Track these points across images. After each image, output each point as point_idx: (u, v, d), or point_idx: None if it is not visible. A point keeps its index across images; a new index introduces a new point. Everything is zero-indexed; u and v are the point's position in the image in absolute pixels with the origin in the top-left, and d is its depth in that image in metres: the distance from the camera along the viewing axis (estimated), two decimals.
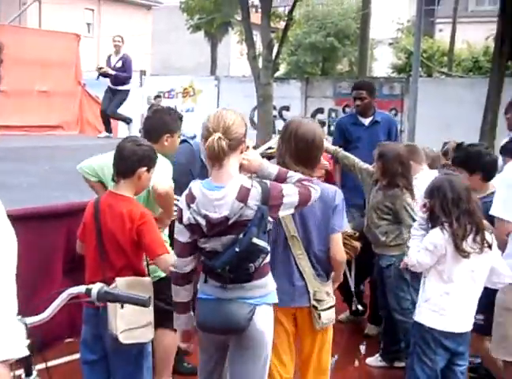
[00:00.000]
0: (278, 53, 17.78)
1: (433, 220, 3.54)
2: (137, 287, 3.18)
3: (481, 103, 13.29)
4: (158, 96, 19.65)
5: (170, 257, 3.23)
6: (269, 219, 2.89)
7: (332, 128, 17.77)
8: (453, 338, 3.50)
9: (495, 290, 3.72)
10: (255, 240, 2.80)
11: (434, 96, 16.35)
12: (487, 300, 3.77)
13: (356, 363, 4.93)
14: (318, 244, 3.39)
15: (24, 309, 1.93)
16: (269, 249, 2.91)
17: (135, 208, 3.31)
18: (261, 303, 2.96)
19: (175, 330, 3.55)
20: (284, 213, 2.95)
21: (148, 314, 3.21)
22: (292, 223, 3.35)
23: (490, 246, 3.46)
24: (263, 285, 2.99)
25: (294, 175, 3.02)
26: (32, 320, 1.91)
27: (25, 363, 1.93)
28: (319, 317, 3.38)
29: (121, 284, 3.16)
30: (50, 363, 4.37)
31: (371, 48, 30.52)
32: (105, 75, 11.18)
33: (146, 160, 3.34)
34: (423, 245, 3.52)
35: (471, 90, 16.27)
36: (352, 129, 6.25)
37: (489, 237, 3.48)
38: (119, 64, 11.23)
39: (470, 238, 3.41)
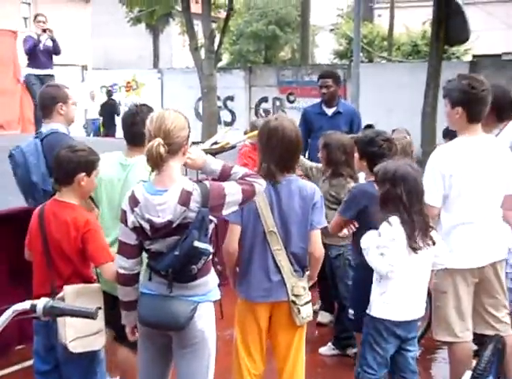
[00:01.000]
0: (220, 43, 17.70)
1: (386, 206, 3.53)
2: (85, 295, 3.20)
3: (421, 87, 13.52)
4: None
5: (113, 266, 3.20)
6: (213, 219, 2.95)
7: None
8: (404, 326, 3.57)
9: (365, 287, 3.72)
10: (196, 243, 2.82)
11: (376, 81, 16.56)
12: (358, 295, 3.90)
13: (309, 353, 5.00)
14: (296, 240, 3.42)
15: None
16: (210, 250, 2.92)
17: (80, 216, 3.29)
18: (203, 301, 3.00)
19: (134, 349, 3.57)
20: (227, 211, 2.97)
21: (98, 322, 3.15)
22: (271, 218, 3.37)
23: (434, 243, 3.53)
24: (205, 283, 3.01)
25: (238, 171, 3.02)
26: None
27: None
28: (299, 311, 3.41)
29: (69, 292, 3.15)
30: (1, 372, 4.34)
31: (313, 35, 30.73)
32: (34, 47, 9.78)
33: (83, 166, 3.33)
34: (383, 247, 3.51)
35: (411, 74, 16.52)
36: (315, 119, 6.32)
37: (435, 234, 3.55)
38: (49, 42, 10.06)
39: (419, 237, 3.46)
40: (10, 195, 4.61)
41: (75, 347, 3.15)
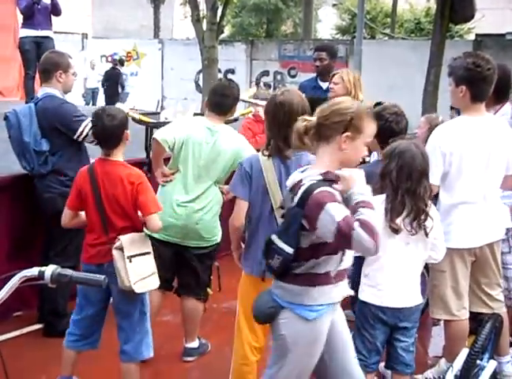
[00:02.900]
0: (223, 15, 17.54)
1: (381, 181, 3.41)
2: (138, 242, 3.53)
3: (424, 65, 13.47)
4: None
5: (158, 217, 3.54)
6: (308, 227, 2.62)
7: None
8: (392, 312, 3.39)
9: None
10: (273, 237, 2.72)
11: (378, 58, 16.50)
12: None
13: None
14: None
15: None
16: (288, 254, 2.65)
17: (132, 171, 3.57)
18: (287, 307, 2.80)
19: (201, 299, 4.32)
20: (321, 233, 2.55)
21: (151, 265, 3.58)
22: (280, 194, 3.30)
23: (427, 234, 3.35)
24: (294, 291, 2.77)
25: (362, 212, 2.49)
26: None
27: None
28: None
29: (125, 241, 3.44)
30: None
31: (315, 9, 30.45)
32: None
33: (126, 124, 3.61)
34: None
35: (413, 52, 16.46)
36: (310, 93, 6.27)
37: (429, 223, 3.38)
38: (47, 0, 9.07)
39: (407, 220, 3.30)
40: (13, 162, 4.62)
41: (139, 288, 3.46)
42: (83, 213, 3.67)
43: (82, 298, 3.67)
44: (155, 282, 3.61)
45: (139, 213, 3.57)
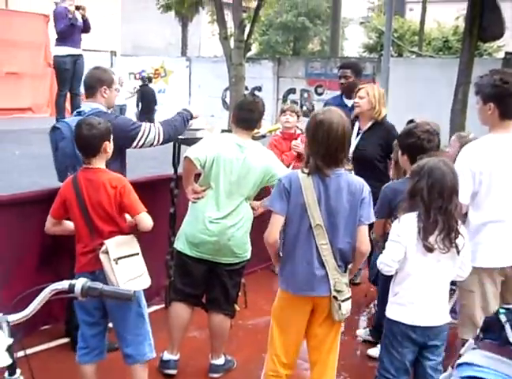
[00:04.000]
0: (250, 33, 17.62)
1: (410, 200, 3.41)
2: (125, 244, 3.59)
3: (452, 83, 13.38)
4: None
5: (148, 216, 3.60)
6: None
7: (304, 108, 17.93)
8: (422, 331, 3.38)
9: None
10: None
11: (406, 76, 16.45)
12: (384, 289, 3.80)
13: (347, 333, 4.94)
14: (344, 235, 3.36)
15: None
16: None
17: (113, 176, 3.65)
18: None
19: (229, 315, 4.32)
20: None
21: (141, 265, 3.65)
22: (318, 212, 3.31)
23: (458, 252, 3.36)
24: None
25: None
26: (14, 317, 1.91)
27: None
28: (339, 307, 3.37)
29: (111, 245, 3.51)
30: (27, 351, 4.39)
31: (342, 27, 30.50)
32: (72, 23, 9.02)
33: (105, 136, 3.66)
34: (388, 240, 3.44)
35: (441, 70, 16.36)
36: None
37: (460, 241, 3.37)
38: (79, 17, 9.31)
39: (439, 237, 3.31)
40: (42, 177, 4.65)
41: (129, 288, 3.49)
42: (67, 222, 3.77)
43: (79, 309, 3.73)
44: (145, 280, 3.66)
45: (127, 217, 3.67)
